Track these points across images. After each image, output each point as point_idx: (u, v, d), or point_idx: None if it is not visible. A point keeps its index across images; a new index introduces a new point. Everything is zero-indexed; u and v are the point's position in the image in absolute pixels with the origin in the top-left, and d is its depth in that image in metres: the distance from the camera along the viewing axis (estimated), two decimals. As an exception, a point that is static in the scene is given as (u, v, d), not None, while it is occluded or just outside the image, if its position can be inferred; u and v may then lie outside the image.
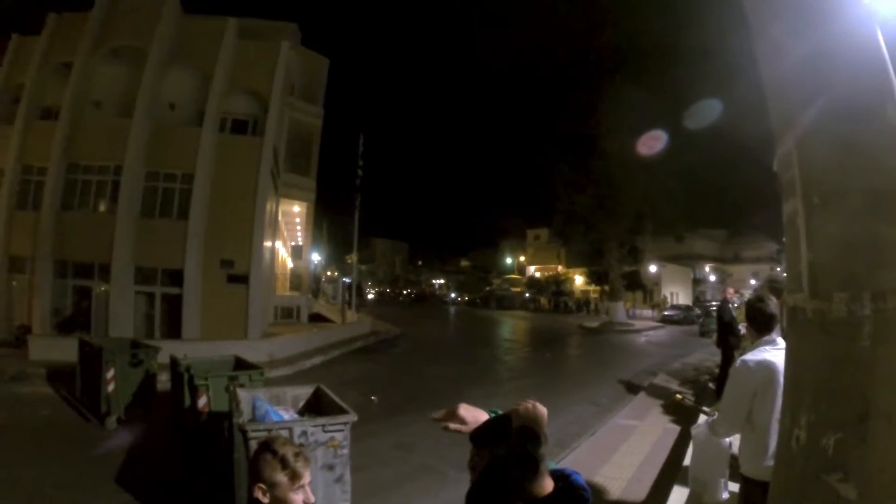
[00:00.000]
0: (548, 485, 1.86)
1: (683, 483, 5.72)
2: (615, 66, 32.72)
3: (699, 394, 12.36)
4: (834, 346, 1.73)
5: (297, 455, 2.30)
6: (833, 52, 1.78)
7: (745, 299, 4.92)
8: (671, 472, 7.04)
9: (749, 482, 3.45)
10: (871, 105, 1.73)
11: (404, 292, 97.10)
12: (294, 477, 2.24)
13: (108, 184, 21.35)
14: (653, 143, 31.72)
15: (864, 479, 1.67)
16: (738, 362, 3.68)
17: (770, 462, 3.07)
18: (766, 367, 3.33)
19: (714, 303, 36.12)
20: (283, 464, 2.23)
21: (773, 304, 3.66)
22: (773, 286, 5.69)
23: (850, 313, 1.69)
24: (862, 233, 1.69)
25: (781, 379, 3.18)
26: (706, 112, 25.81)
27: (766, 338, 3.56)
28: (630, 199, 36.13)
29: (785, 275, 4.54)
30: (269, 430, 5.12)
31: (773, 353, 3.38)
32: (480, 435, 2.09)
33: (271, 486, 2.19)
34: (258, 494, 2.20)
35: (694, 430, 4.83)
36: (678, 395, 11.73)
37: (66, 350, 13.78)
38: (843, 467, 1.70)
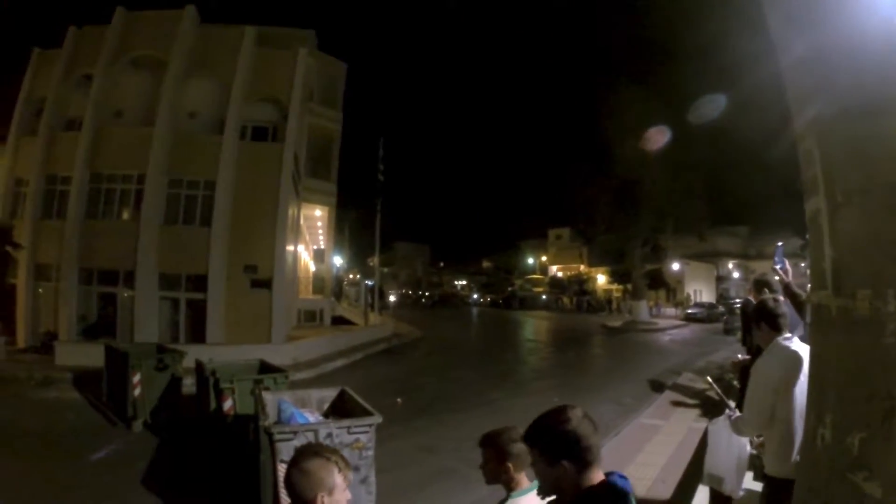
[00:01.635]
0: (597, 476, 1.92)
1: (707, 483, 5.68)
2: (634, 64, 32.53)
3: (725, 392, 12.25)
4: (858, 343, 1.72)
5: (341, 455, 2.33)
6: (855, 47, 1.77)
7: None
8: (696, 472, 6.99)
9: (774, 481, 3.43)
10: (893, 99, 1.71)
11: (426, 294, 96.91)
12: (347, 478, 2.26)
13: (131, 192, 21.69)
14: (662, 137, 31.47)
15: (890, 477, 1.65)
16: (758, 361, 3.68)
17: (795, 459, 3.06)
18: (786, 365, 3.33)
19: (738, 300, 35.75)
20: (338, 466, 2.24)
21: (783, 303, 3.68)
22: (759, 285, 5.70)
23: (874, 311, 1.67)
24: (885, 230, 1.67)
25: (802, 376, 3.19)
26: (725, 107, 25.65)
27: (783, 336, 3.55)
28: (651, 197, 35.87)
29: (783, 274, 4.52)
30: (295, 432, 5.17)
31: (791, 350, 3.38)
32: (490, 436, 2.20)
33: (331, 489, 2.19)
34: (320, 501, 2.20)
35: (711, 426, 4.80)
36: (708, 379, 11.65)
37: (92, 355, 14.00)
38: (869, 466, 1.68)
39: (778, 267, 4.18)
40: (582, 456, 1.93)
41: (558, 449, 1.94)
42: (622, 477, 1.99)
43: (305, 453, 2.28)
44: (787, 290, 4.07)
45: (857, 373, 1.72)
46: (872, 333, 1.68)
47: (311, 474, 2.19)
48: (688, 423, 10.09)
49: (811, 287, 1.95)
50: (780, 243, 4.70)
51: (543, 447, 1.99)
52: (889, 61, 1.72)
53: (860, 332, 1.71)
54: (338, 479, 2.22)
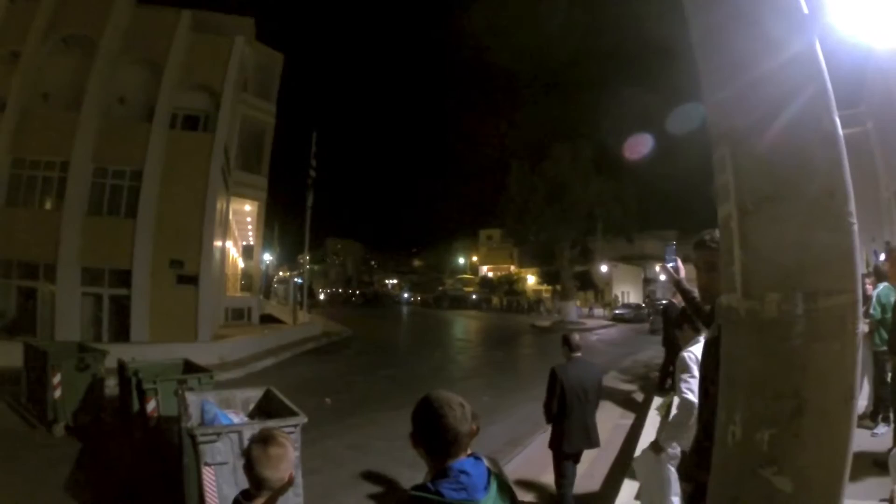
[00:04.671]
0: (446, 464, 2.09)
1: (633, 477, 5.85)
2: (568, 70, 33.04)
3: (648, 390, 12.60)
4: (767, 344, 1.78)
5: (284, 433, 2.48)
6: (773, 73, 1.83)
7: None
8: (622, 466, 7.20)
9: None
10: (807, 114, 1.78)
11: (357, 293, 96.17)
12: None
13: (54, 180, 20.74)
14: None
15: (799, 472, 1.72)
16: (682, 354, 3.85)
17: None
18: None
19: (663, 301, 36.72)
20: (290, 443, 2.39)
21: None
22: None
23: (781, 313, 1.74)
24: (794, 236, 1.74)
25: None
26: (657, 115, 26.39)
27: (702, 335, 3.77)
28: (582, 200, 36.41)
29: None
30: (219, 434, 5.08)
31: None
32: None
33: (295, 465, 2.34)
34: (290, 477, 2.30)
35: (634, 464, 4.95)
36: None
37: (10, 355, 13.30)
38: (778, 461, 1.75)
39: (670, 265, 4.31)
40: (431, 444, 2.15)
41: (417, 434, 2.20)
42: (474, 463, 2.12)
43: (267, 441, 2.34)
44: (679, 287, 4.20)
45: (765, 372, 1.79)
46: (780, 335, 1.75)
47: (281, 457, 2.30)
48: (614, 420, 10.42)
49: (722, 289, 2.01)
50: (672, 243, 4.88)
51: (413, 430, 2.23)
52: (806, 81, 1.80)
53: (768, 334, 1.78)
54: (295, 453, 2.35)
